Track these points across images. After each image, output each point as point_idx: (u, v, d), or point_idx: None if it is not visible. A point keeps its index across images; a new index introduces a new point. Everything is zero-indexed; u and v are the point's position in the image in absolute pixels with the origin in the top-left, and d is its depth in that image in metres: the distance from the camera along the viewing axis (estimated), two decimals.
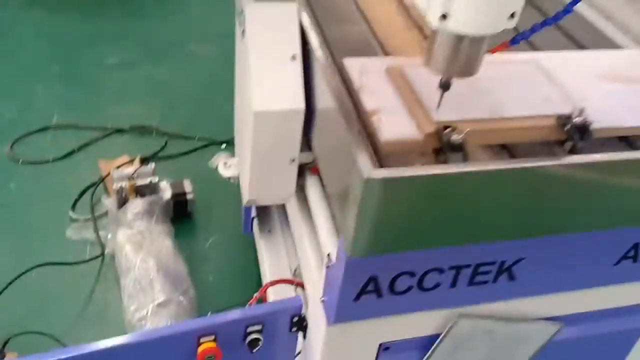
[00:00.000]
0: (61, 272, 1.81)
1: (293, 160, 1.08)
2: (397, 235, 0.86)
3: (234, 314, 1.10)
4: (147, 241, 1.72)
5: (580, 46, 1.35)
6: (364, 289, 0.94)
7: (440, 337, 1.11)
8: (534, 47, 1.32)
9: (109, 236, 1.84)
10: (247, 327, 1.10)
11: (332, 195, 0.99)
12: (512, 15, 0.87)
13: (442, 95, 0.99)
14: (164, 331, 1.06)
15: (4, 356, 1.54)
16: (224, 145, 2.40)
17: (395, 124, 0.98)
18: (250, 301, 1.21)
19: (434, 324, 1.10)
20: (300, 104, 1.03)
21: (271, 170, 1.10)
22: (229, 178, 2.11)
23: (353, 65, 1.12)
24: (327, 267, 0.99)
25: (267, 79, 1.03)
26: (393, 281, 0.94)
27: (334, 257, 0.97)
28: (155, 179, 1.93)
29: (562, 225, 0.94)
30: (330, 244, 1.02)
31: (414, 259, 0.92)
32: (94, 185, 2.07)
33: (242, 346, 1.11)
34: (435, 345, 1.12)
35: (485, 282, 1.01)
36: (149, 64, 2.86)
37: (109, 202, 1.88)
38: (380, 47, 1.26)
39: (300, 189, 1.18)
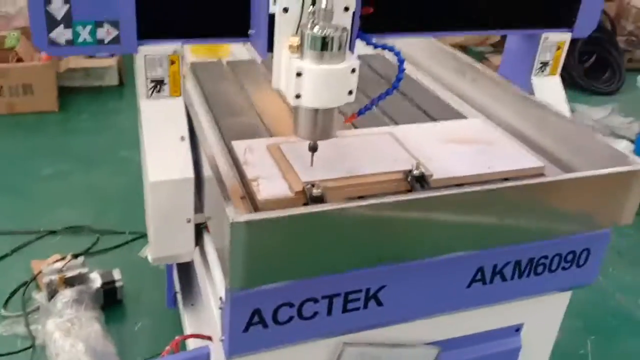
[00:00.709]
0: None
1: (189, 221, 1.28)
2: (266, 268, 1.04)
3: None
4: (76, 327, 1.83)
5: (433, 118, 1.65)
6: (250, 321, 1.10)
7: None
8: (394, 121, 1.61)
9: (40, 327, 1.93)
10: None
11: (216, 244, 1.18)
12: (350, 92, 1.14)
13: (312, 157, 1.25)
14: None
15: None
16: None
17: (271, 186, 1.21)
18: (163, 353, 1.34)
19: (324, 356, 1.26)
20: (189, 174, 1.24)
21: (171, 231, 1.28)
22: (158, 265, 2.27)
23: (240, 145, 1.38)
24: (220, 308, 1.16)
25: (160, 156, 1.24)
26: (275, 312, 1.12)
27: (223, 299, 1.15)
28: (85, 270, 2.06)
29: (408, 252, 1.15)
30: (222, 289, 1.19)
31: (288, 290, 1.10)
32: (25, 284, 2.18)
33: None
34: None
35: (357, 309, 1.19)
36: (83, 172, 3.08)
37: (39, 296, 1.99)
38: (268, 132, 1.52)
39: (201, 249, 1.37)
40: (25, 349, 1.91)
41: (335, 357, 1.26)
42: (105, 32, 1.22)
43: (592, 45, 5.02)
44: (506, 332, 1.47)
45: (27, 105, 3.65)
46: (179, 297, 1.90)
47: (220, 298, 1.16)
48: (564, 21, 1.54)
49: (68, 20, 1.18)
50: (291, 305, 1.13)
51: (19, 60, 3.70)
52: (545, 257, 1.32)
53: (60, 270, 2.01)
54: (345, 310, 1.18)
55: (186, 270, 1.95)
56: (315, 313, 1.16)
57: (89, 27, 1.20)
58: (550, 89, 1.60)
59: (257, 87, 1.79)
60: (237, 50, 2.12)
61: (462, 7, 1.42)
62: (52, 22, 1.17)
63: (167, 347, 1.35)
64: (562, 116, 1.49)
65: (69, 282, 2.01)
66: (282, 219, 1.02)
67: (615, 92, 4.85)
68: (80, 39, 1.21)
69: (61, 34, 1.19)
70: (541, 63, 1.59)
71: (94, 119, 3.73)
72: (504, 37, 1.77)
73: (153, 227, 1.26)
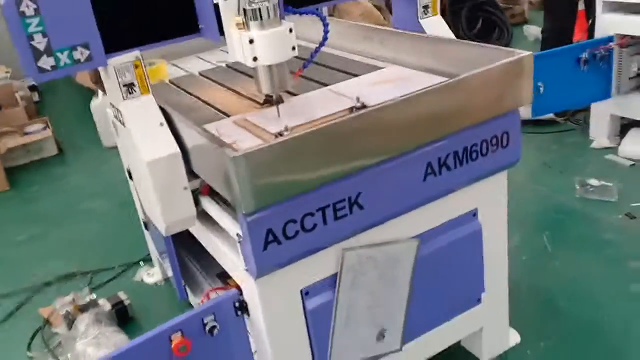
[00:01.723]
0: None
1: (185, 188, 1.53)
2: (267, 190, 1.31)
3: (190, 312, 1.47)
4: (104, 339, 2.00)
5: (356, 75, 1.97)
6: (267, 240, 1.36)
7: (339, 272, 1.54)
8: (326, 85, 1.92)
9: (69, 355, 2.08)
10: (202, 318, 1.47)
11: (220, 188, 1.42)
12: (294, 48, 1.45)
13: (278, 108, 1.54)
14: (141, 338, 1.39)
15: None
16: (142, 263, 2.76)
17: (248, 143, 1.49)
18: (202, 298, 1.58)
19: (331, 265, 1.53)
20: (176, 150, 1.50)
21: (173, 200, 1.52)
22: (155, 283, 2.49)
23: (210, 127, 1.65)
24: (239, 242, 1.42)
25: (147, 141, 1.49)
26: (284, 229, 1.38)
27: (240, 232, 1.40)
28: (94, 296, 2.23)
29: (369, 159, 1.44)
30: (235, 229, 1.44)
31: (289, 208, 1.37)
32: (40, 328, 2.32)
33: (204, 334, 1.47)
34: (338, 279, 1.54)
35: (346, 215, 1.47)
36: (54, 231, 3.24)
37: (59, 329, 2.15)
38: (226, 116, 1.79)
39: (200, 215, 1.62)
40: None
41: (339, 263, 1.53)
42: (80, 54, 1.47)
43: (476, 11, 5.61)
44: (466, 218, 1.77)
45: None
46: (187, 289, 2.11)
47: (238, 234, 1.41)
48: None
49: (49, 50, 1.43)
50: (294, 221, 1.39)
51: None
52: (475, 144, 1.64)
53: (72, 302, 2.18)
54: (336, 217, 1.46)
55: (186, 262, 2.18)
56: (315, 225, 1.43)
57: (66, 52, 1.45)
58: (435, 24, 1.98)
59: (202, 91, 2.06)
60: (173, 71, 2.40)
61: None
62: (37, 54, 1.42)
63: (203, 298, 1.58)
64: (454, 40, 1.86)
65: (83, 309, 2.18)
66: (270, 147, 1.30)
67: (508, 46, 5.43)
68: (62, 63, 1.46)
69: (46, 62, 1.44)
70: (423, 7, 1.96)
71: (45, 188, 3.88)
72: None
73: (158, 201, 1.50)
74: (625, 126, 3.40)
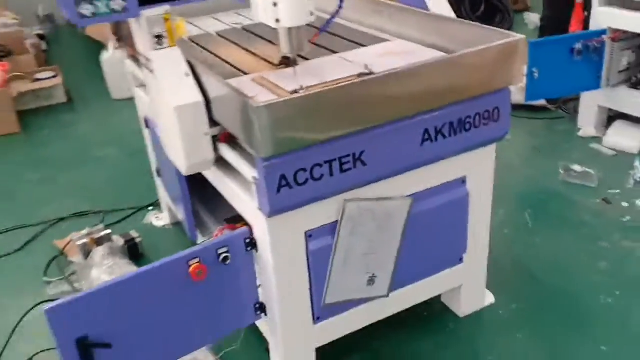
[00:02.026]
0: None
1: (206, 134, 1.71)
2: (282, 139, 1.49)
3: (206, 243, 1.66)
4: (118, 269, 2.19)
5: (365, 46, 2.13)
6: (280, 183, 1.55)
7: (340, 220, 1.73)
8: (336, 52, 2.08)
9: (83, 283, 2.27)
10: (217, 249, 1.66)
11: (241, 134, 1.60)
12: (312, 14, 1.62)
13: (295, 69, 1.72)
14: (162, 261, 1.58)
15: None
16: (150, 208, 2.94)
17: (267, 97, 1.66)
18: (215, 234, 1.78)
19: (333, 213, 1.72)
20: (200, 98, 1.68)
21: (195, 143, 1.70)
22: (163, 226, 2.68)
23: (232, 82, 1.81)
24: (255, 184, 1.60)
25: (175, 88, 1.66)
26: (295, 176, 1.56)
27: (257, 175, 1.59)
28: (108, 231, 2.42)
29: (373, 120, 1.63)
30: (251, 172, 1.63)
31: (300, 158, 1.55)
32: (56, 257, 2.51)
33: (218, 263, 1.66)
34: (338, 227, 1.74)
35: (350, 169, 1.65)
36: (66, 174, 3.41)
37: (76, 259, 2.33)
38: (243, 73, 1.96)
39: (217, 160, 1.79)
40: None
41: (340, 212, 1.72)
42: (116, 3, 1.63)
43: None
44: (456, 184, 1.96)
45: None
46: (198, 231, 2.30)
47: (254, 177, 1.59)
48: None
49: None
50: (304, 169, 1.58)
51: None
52: (469, 116, 1.81)
53: (88, 235, 2.36)
54: (342, 171, 1.64)
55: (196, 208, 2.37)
56: (322, 175, 1.62)
57: (105, 2, 1.61)
58: (439, 3, 2.13)
59: (220, 50, 2.21)
60: (190, 29, 2.55)
61: None
62: (78, 1, 1.58)
63: (216, 233, 1.77)
64: (456, 20, 2.03)
65: (99, 242, 2.36)
66: (288, 101, 1.48)
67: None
68: (101, 11, 1.62)
69: (87, 9, 1.60)
70: None
71: (55, 133, 4.02)
72: None
73: (181, 144, 1.68)
74: (611, 118, 3.58)
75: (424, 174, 1.86)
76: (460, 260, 2.11)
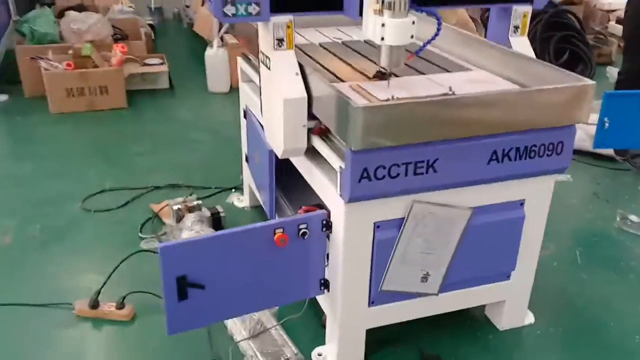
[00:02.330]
0: (152, 258, 2.57)
1: (304, 126, 2.01)
2: (370, 138, 1.75)
3: (291, 218, 1.95)
4: (203, 234, 2.52)
5: (448, 70, 2.39)
6: (361, 175, 1.82)
7: (406, 217, 1.99)
8: (423, 73, 2.36)
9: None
10: (298, 225, 1.95)
11: (336, 128, 1.87)
12: (412, 37, 1.91)
13: (389, 81, 2.01)
14: (252, 226, 1.89)
15: (123, 306, 2.27)
16: (233, 190, 3.30)
17: (362, 102, 1.95)
18: (299, 212, 2.08)
19: (401, 210, 1.97)
20: (304, 94, 1.98)
21: (294, 132, 2.00)
22: (243, 207, 3.01)
23: (336, 86, 2.12)
24: (340, 173, 1.88)
25: (286, 84, 1.98)
26: (375, 171, 1.83)
27: (343, 166, 1.87)
28: (200, 202, 2.77)
29: (451, 134, 1.88)
30: (338, 163, 1.91)
31: (382, 156, 1.81)
32: (151, 219, 2.89)
33: (297, 237, 1.95)
34: (404, 222, 1.99)
35: (422, 173, 1.91)
36: (166, 151, 3.86)
37: (169, 221, 2.69)
38: (341, 80, 2.26)
39: (308, 150, 2.09)
40: None
41: (408, 210, 1.98)
42: (253, 8, 1.97)
43: (565, 43, 5.86)
44: (514, 205, 2.15)
45: (104, 103, 4.41)
46: (276, 214, 2.61)
47: (340, 166, 1.88)
48: None
49: (234, 2, 1.93)
50: (384, 167, 1.84)
51: (95, 66, 4.45)
52: (535, 145, 2.01)
53: (183, 201, 2.72)
54: (415, 174, 1.90)
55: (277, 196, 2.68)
56: (398, 174, 1.88)
57: (244, 5, 1.95)
58: (522, 44, 2.37)
59: (322, 59, 2.53)
60: (299, 38, 2.88)
61: None
62: (224, 3, 1.93)
63: (300, 211, 2.07)
64: (536, 60, 2.25)
65: (191, 210, 2.72)
66: (381, 106, 1.77)
67: None
68: (239, 13, 1.96)
69: (229, 9, 1.94)
70: (514, 26, 2.36)
71: (158, 113, 4.50)
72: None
73: (282, 130, 2.01)
74: None
75: (487, 190, 2.07)
76: (508, 277, 2.30)
